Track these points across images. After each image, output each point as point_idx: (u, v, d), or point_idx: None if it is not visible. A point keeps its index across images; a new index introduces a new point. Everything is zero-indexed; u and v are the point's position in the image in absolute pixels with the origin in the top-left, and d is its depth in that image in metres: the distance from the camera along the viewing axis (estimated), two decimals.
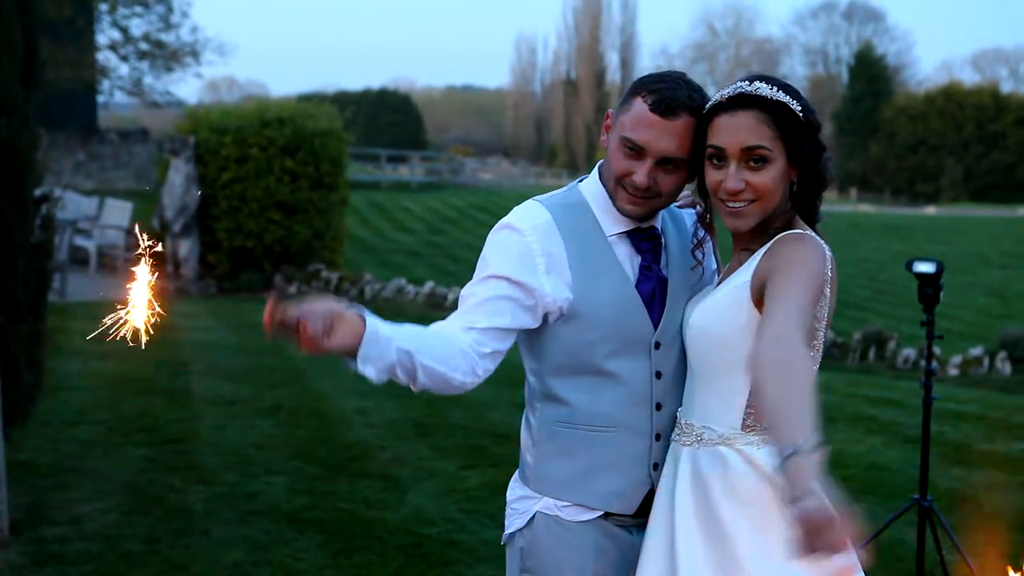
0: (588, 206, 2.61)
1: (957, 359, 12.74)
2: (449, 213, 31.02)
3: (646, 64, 68.20)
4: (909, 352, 13.16)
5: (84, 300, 14.43)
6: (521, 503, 2.68)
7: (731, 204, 2.43)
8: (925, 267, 4.94)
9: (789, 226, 2.45)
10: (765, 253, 2.41)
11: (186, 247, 16.38)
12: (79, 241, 17.26)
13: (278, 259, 16.87)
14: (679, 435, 2.53)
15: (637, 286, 2.58)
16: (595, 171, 2.67)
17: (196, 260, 16.49)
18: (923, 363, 5.15)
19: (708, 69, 70.34)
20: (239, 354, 10.80)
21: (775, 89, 2.42)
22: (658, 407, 2.59)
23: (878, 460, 7.52)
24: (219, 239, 16.59)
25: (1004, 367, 12.57)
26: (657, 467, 2.59)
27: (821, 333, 2.45)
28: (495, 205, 34.01)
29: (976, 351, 12.88)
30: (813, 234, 2.44)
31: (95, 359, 10.10)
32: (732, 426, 2.45)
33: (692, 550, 2.41)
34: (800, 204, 2.49)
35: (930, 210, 48.88)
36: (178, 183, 16.19)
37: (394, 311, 15.33)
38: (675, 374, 2.60)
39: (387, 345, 2.31)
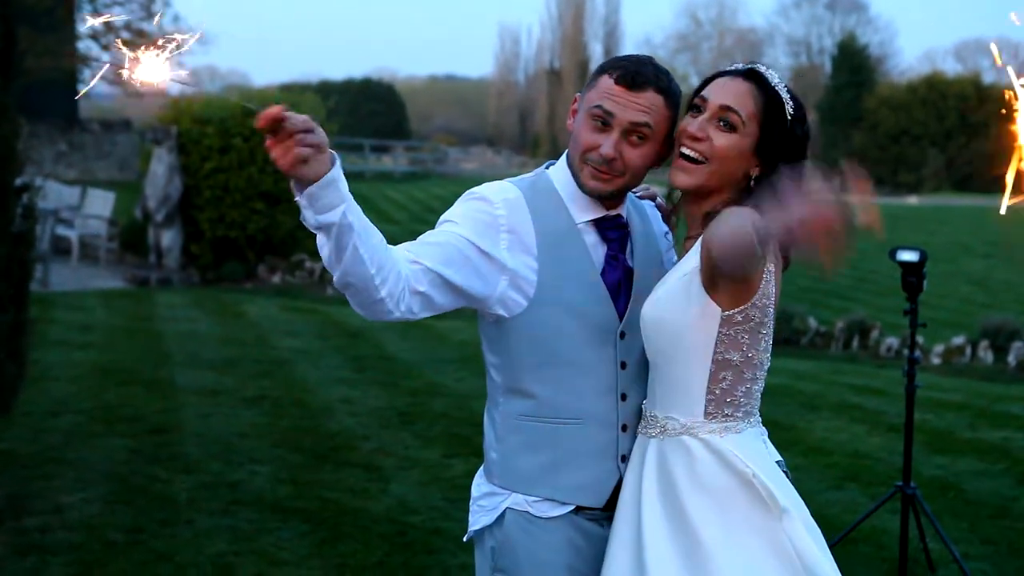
0: (557, 192, 2.59)
1: (940, 348, 12.80)
2: (433, 203, 30.93)
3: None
4: (892, 341, 13.21)
5: (66, 290, 14.39)
6: (488, 500, 2.64)
7: (685, 151, 2.45)
8: (908, 256, 4.96)
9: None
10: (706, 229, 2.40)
11: (169, 237, 16.32)
12: (61, 231, 17.18)
13: (261, 249, 16.82)
14: (644, 426, 2.53)
15: (603, 275, 2.57)
16: (563, 158, 2.64)
17: (179, 250, 16.43)
18: (906, 352, 5.18)
19: (691, 59, 70.37)
20: (222, 344, 10.77)
21: (783, 87, 2.49)
22: (623, 397, 2.57)
23: (861, 448, 7.55)
24: (202, 229, 16.53)
25: (986, 356, 12.63)
26: (625, 459, 2.57)
27: (770, 309, 2.46)
28: None
29: (959, 340, 12.94)
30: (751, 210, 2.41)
31: (78, 349, 10.06)
32: (694, 415, 2.45)
33: (658, 540, 2.41)
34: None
35: (912, 200, 49.05)
36: (160, 173, 16.12)
37: None
38: (640, 364, 2.58)
39: (339, 200, 2.18)
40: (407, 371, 9.73)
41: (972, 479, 6.86)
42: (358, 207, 2.25)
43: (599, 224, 2.58)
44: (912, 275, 4.98)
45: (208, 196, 16.41)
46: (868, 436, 7.92)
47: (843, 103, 62.01)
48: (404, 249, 2.41)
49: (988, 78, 65.70)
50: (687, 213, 2.56)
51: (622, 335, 2.56)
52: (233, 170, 16.37)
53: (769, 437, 2.66)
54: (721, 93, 2.46)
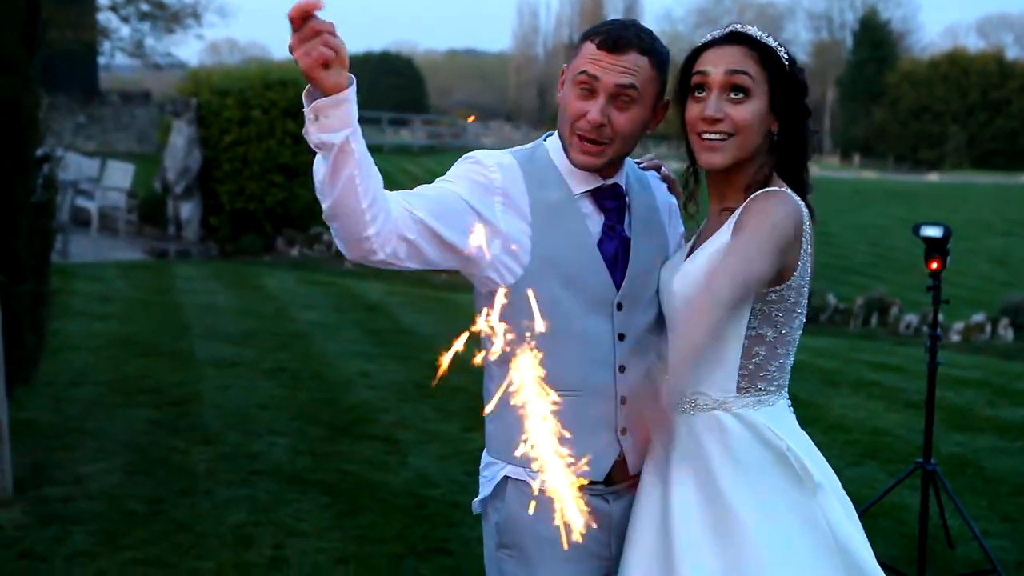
0: (553, 163, 2.55)
1: (959, 325, 12.74)
2: None
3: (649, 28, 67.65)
4: (911, 318, 13.16)
5: (86, 261, 14.44)
6: (489, 470, 2.64)
7: (708, 136, 2.40)
8: (932, 231, 4.91)
9: (767, 184, 2.42)
10: (740, 212, 2.38)
11: (188, 209, 16.35)
12: (81, 202, 17.23)
13: (279, 222, 16.84)
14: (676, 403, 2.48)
15: (600, 245, 2.53)
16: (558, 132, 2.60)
17: (198, 222, 16.46)
18: (925, 329, 5.15)
19: None
20: (241, 316, 10.80)
21: (768, 37, 2.44)
22: (622, 369, 2.54)
23: (880, 424, 7.53)
24: (221, 202, 16.55)
25: (1006, 334, 12.57)
26: (625, 432, 2.55)
27: (805, 288, 2.43)
28: None
29: (979, 318, 12.88)
30: (789, 190, 2.41)
31: (97, 320, 10.11)
32: (727, 390, 2.42)
33: (689, 517, 2.38)
34: (782, 165, 2.45)
35: (933, 177, 48.77)
36: (180, 145, 16.14)
37: (395, 274, 15.30)
38: (640, 337, 2.55)
39: (346, 123, 2.14)
40: (425, 344, 9.74)
41: (991, 456, 6.84)
42: (363, 142, 2.20)
43: (596, 194, 2.55)
44: (936, 251, 4.94)
45: (227, 169, 16.42)
46: (887, 413, 7.90)
47: (864, 79, 61.63)
48: (398, 195, 2.37)
49: (1011, 54, 65.20)
50: (716, 185, 2.51)
51: (619, 306, 2.53)
52: (252, 142, 16.36)
53: None
54: (720, 62, 2.39)
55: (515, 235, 2.47)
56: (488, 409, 2.65)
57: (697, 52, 2.45)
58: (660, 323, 2.61)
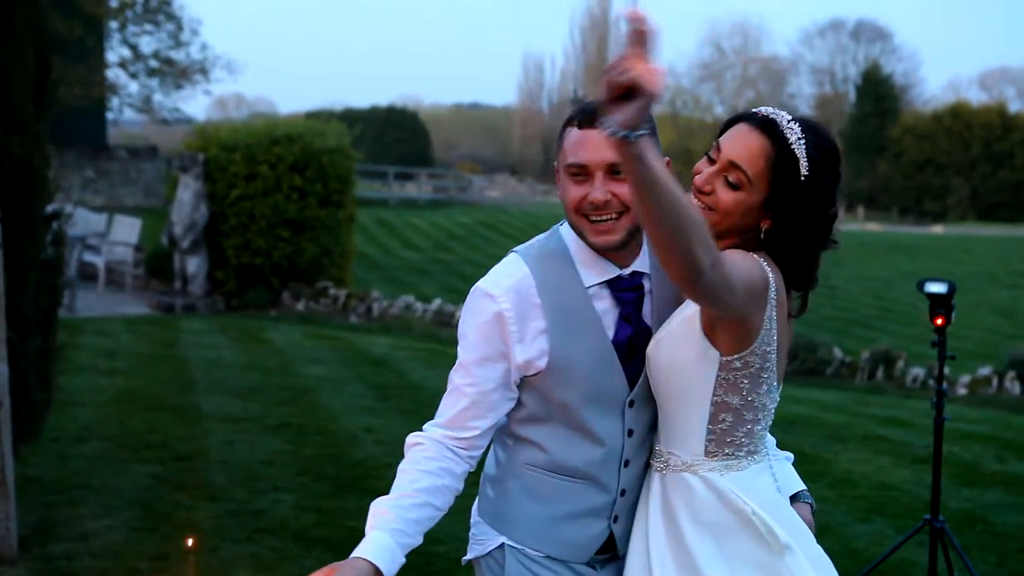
0: (569, 256, 2.54)
1: (966, 379, 12.70)
2: (456, 230, 31.04)
3: None
4: (918, 371, 13.12)
5: (92, 316, 14.47)
6: (482, 531, 2.69)
7: (695, 200, 2.40)
8: (937, 287, 4.92)
9: None
10: None
11: (194, 264, 16.40)
12: (88, 257, 17.30)
13: (286, 276, 16.89)
14: (653, 460, 2.54)
15: (615, 340, 2.52)
16: None
17: (204, 277, 16.50)
18: (932, 382, 5.14)
19: (715, 88, 70.42)
20: (247, 371, 10.80)
21: (801, 143, 2.37)
22: (626, 464, 2.57)
23: (887, 479, 7.50)
24: (227, 256, 16.61)
25: (1013, 387, 12.53)
26: (617, 520, 2.59)
27: (772, 356, 2.41)
28: (502, 223, 34.02)
29: (985, 371, 12.84)
30: (756, 256, 2.38)
31: (104, 375, 10.11)
32: (695, 452, 2.45)
33: (665, 569, 2.43)
34: (776, 258, 2.41)
35: (937, 229, 48.85)
36: (187, 200, 16.22)
37: (402, 328, 15.33)
38: (645, 431, 2.58)
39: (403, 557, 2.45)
40: (431, 399, 9.70)
41: (1000, 512, 6.80)
42: (404, 534, 2.48)
43: (612, 284, 2.52)
44: (940, 307, 4.94)
45: (234, 223, 16.49)
46: (894, 468, 7.87)
47: (868, 132, 61.89)
48: (446, 434, 2.51)
49: (1013, 107, 65.51)
50: None
51: (631, 403, 2.54)
52: (259, 197, 16.45)
53: (796, 468, 2.67)
54: (733, 146, 2.37)
55: (534, 355, 2.49)
56: (491, 472, 2.68)
57: (736, 118, 2.45)
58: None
